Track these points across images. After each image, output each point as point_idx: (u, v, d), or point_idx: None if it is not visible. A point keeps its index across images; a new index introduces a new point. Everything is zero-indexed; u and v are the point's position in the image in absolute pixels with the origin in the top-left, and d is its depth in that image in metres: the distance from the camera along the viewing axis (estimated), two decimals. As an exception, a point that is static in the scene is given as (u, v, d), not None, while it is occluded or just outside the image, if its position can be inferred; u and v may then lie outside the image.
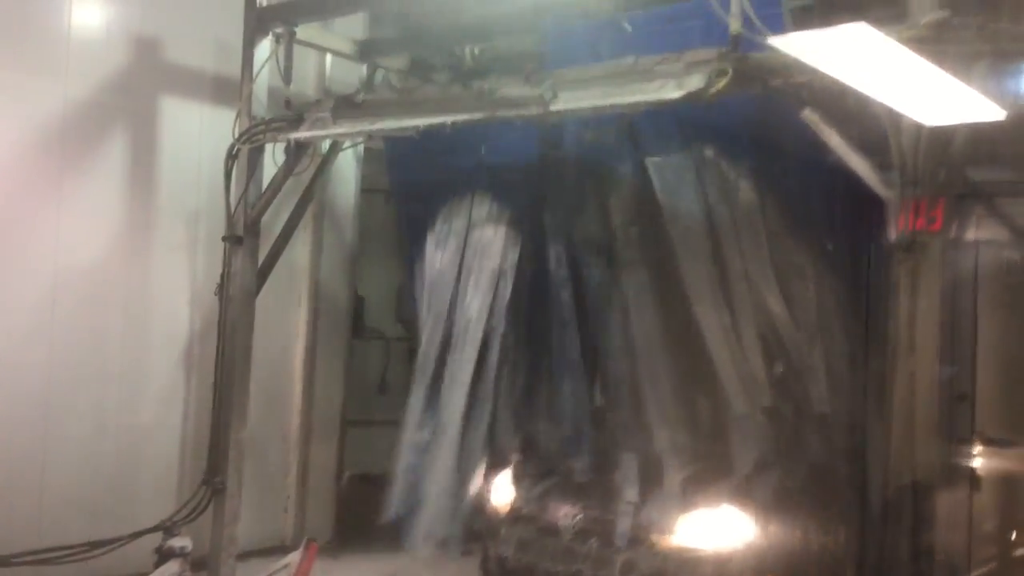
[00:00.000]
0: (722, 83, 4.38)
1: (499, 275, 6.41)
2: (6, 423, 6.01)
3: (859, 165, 4.39)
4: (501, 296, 6.39)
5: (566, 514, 5.96)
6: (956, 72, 3.83)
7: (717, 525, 5.50)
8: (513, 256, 6.42)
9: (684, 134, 5.57)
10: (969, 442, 5.19)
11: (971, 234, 5.17)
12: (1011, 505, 5.82)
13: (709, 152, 5.61)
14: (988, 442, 5.30)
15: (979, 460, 5.24)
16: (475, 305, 6.43)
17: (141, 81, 6.69)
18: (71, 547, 5.99)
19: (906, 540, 4.14)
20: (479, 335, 6.40)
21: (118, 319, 6.58)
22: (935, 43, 3.91)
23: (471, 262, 6.51)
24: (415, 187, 7.04)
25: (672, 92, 4.42)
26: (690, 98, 4.39)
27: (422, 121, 5.16)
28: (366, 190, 8.18)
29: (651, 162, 5.68)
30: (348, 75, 7.46)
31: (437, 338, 6.56)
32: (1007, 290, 5.70)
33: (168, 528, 6.33)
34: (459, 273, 6.56)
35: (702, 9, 4.48)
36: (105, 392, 6.52)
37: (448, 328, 6.55)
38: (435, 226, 6.72)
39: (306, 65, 7.48)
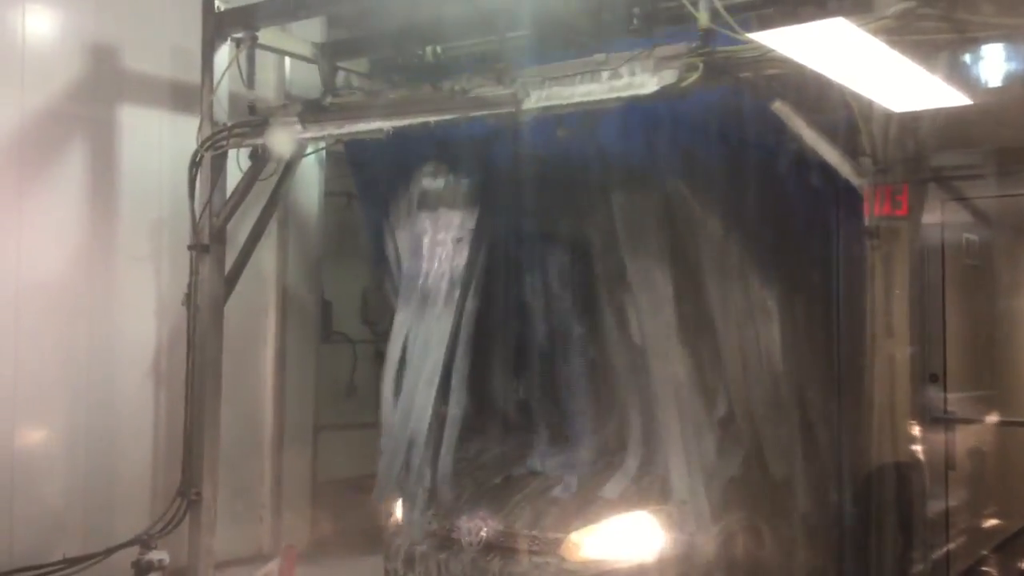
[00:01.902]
0: (694, 77, 4.43)
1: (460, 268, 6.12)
2: (-27, 442, 5.88)
3: (830, 154, 4.47)
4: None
5: (471, 528, 5.40)
6: (922, 60, 3.92)
7: (637, 536, 5.16)
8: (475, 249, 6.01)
9: (647, 134, 5.43)
10: (942, 421, 5.32)
11: (936, 218, 5.28)
12: (982, 479, 5.99)
13: (676, 186, 5.37)
14: (959, 420, 5.44)
15: (952, 438, 5.37)
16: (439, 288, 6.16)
17: (99, 89, 6.57)
18: (46, 565, 5.91)
19: (890, 516, 4.23)
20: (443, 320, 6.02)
21: (84, 332, 6.46)
22: (902, 32, 3.99)
23: (433, 250, 6.24)
24: (379, 186, 6.93)
25: (645, 88, 4.45)
26: (663, 93, 4.43)
27: (392, 123, 5.14)
28: (330, 193, 8.13)
29: (616, 201, 5.40)
30: (308, 78, 7.38)
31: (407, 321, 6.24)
32: (971, 272, 5.86)
33: (145, 541, 6.28)
34: (424, 264, 6.33)
35: None
36: (74, 407, 6.40)
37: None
38: (400, 218, 6.49)
39: (265, 69, 7.41)
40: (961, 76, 4.33)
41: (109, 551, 6.19)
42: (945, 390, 5.42)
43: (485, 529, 5.33)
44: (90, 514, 6.40)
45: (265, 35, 6.61)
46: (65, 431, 6.34)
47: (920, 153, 4.53)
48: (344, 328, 8.53)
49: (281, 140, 5.68)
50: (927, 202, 4.88)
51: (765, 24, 3.97)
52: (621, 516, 5.18)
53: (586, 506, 5.27)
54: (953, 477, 5.36)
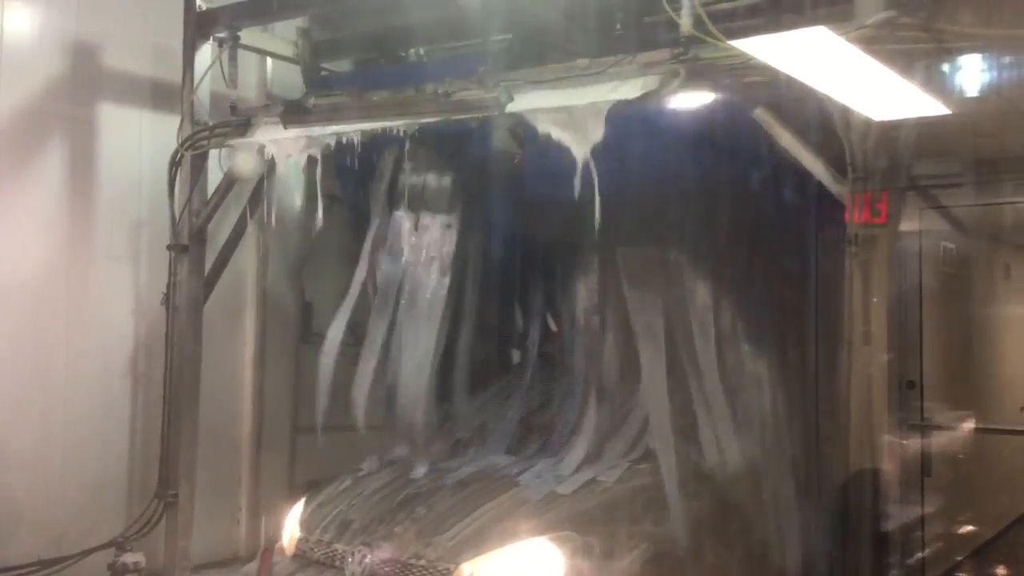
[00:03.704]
0: (675, 83, 4.46)
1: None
2: (-53, 443, 5.82)
3: (810, 162, 4.49)
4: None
5: (354, 556, 4.90)
6: (902, 69, 3.95)
7: (538, 566, 4.63)
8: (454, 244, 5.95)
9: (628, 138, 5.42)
10: (919, 427, 5.36)
11: (914, 226, 5.33)
12: (957, 486, 6.04)
13: (674, 252, 5.38)
14: (935, 427, 5.48)
15: (928, 444, 5.40)
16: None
17: (78, 88, 6.51)
18: (20, 567, 5.85)
19: (867, 523, 4.26)
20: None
21: (60, 332, 6.39)
22: (881, 41, 4.02)
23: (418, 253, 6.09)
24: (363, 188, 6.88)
25: (627, 92, 4.47)
26: (646, 99, 4.44)
27: (375, 124, 5.14)
28: (311, 195, 8.07)
29: (621, 252, 5.39)
30: (290, 79, 7.36)
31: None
32: (949, 279, 5.91)
33: (120, 544, 6.26)
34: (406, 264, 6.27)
35: None
36: (49, 408, 6.33)
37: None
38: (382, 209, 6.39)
39: (247, 69, 7.36)
40: (941, 85, 4.36)
41: (84, 553, 6.15)
42: (922, 397, 5.46)
43: (369, 557, 4.87)
44: (65, 515, 6.33)
45: (247, 35, 6.60)
46: (41, 432, 6.27)
47: (899, 161, 4.56)
48: (325, 330, 8.47)
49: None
50: (906, 210, 4.92)
51: (748, 32, 3.99)
52: (520, 543, 4.67)
53: (483, 531, 4.79)
54: (929, 483, 5.40)
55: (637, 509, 4.95)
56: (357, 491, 5.51)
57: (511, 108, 4.65)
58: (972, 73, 4.89)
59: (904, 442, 4.99)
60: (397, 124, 5.06)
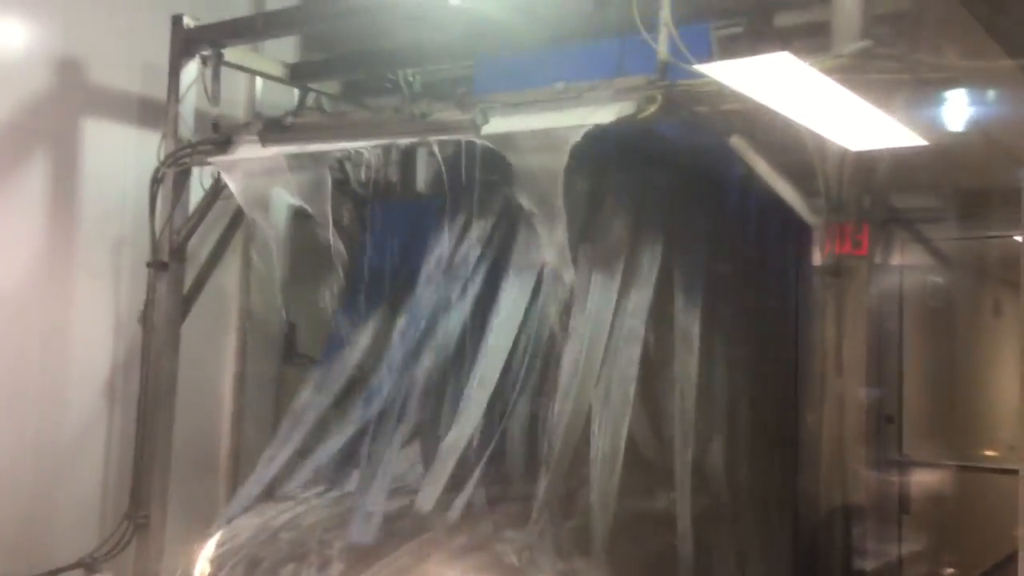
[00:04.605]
0: (652, 109, 4.42)
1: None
2: (-84, 457, 5.76)
3: (786, 191, 4.45)
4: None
5: None
6: (878, 100, 3.91)
7: None
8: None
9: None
10: (897, 464, 5.26)
11: (895, 259, 5.26)
12: (938, 524, 5.93)
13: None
14: (914, 464, 5.38)
15: (907, 481, 5.31)
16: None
17: (64, 104, 6.49)
18: (-15, 586, 5.77)
19: (838, 562, 4.17)
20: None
21: (37, 348, 6.34)
22: (858, 72, 3.99)
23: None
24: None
25: (602, 117, 4.44)
26: (621, 123, 4.41)
27: (352, 144, 5.12)
28: (296, 214, 8.04)
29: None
30: (280, 99, 7.35)
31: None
32: (930, 314, 5.83)
33: (89, 564, 6.18)
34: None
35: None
36: (23, 423, 6.25)
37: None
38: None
39: (236, 88, 7.37)
40: (920, 117, 4.32)
41: (52, 572, 6.06)
42: (900, 432, 5.37)
43: None
44: (35, 534, 6.24)
45: (236, 54, 6.60)
46: (12, 448, 6.19)
47: (877, 193, 4.51)
48: (308, 350, 8.42)
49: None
50: (886, 243, 4.87)
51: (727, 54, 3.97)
52: None
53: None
54: (907, 521, 5.30)
55: None
56: (276, 521, 5.18)
57: (487, 130, 4.62)
58: (955, 105, 4.86)
59: (882, 477, 4.90)
60: (373, 143, 5.03)
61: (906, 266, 5.45)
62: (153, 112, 6.76)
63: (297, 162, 5.42)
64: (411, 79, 6.67)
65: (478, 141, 4.60)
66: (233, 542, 5.11)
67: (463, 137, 4.68)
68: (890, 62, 4.06)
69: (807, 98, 3.78)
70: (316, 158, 5.35)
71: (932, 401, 6.00)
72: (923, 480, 5.54)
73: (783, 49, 3.59)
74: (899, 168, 4.62)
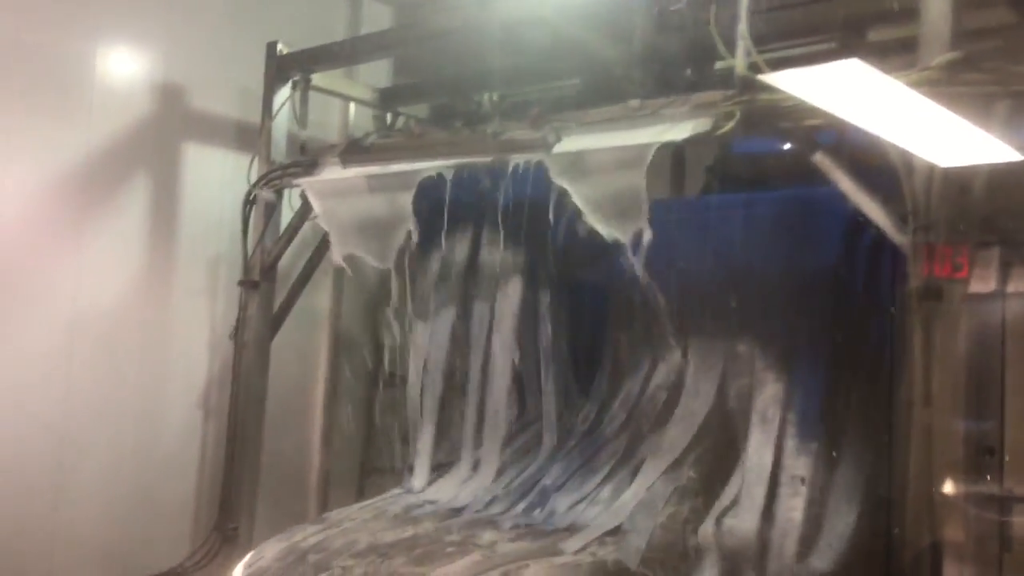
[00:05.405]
0: (729, 125, 4.30)
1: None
2: (21, 465, 6.02)
3: (872, 210, 4.24)
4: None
5: None
6: (972, 114, 3.69)
7: None
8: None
9: None
10: (998, 499, 4.92)
11: (997, 283, 4.94)
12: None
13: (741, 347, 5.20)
14: (1017, 499, 5.01)
15: (1009, 518, 4.95)
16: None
17: (165, 129, 6.77)
18: (80, 593, 5.98)
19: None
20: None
21: (136, 363, 6.59)
22: (947, 84, 3.79)
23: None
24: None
25: (678, 133, 4.34)
26: (696, 139, 4.30)
27: (430, 164, 5.15)
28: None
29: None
30: (371, 122, 7.49)
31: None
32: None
33: (180, 573, 6.33)
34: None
35: None
36: (121, 436, 6.52)
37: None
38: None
39: (331, 112, 7.56)
40: (1016, 132, 4.05)
41: (142, 581, 6.25)
42: (1002, 465, 5.02)
43: None
44: (130, 544, 6.47)
45: (329, 79, 6.78)
46: (110, 459, 6.45)
47: (973, 211, 4.25)
48: (401, 371, 8.48)
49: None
50: (987, 266, 4.57)
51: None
52: None
53: None
54: (1008, 560, 4.93)
55: None
56: (305, 543, 5.09)
57: (559, 149, 4.57)
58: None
59: (980, 514, 4.58)
60: (449, 163, 5.05)
61: (1009, 291, 5.11)
62: (250, 136, 6.98)
63: (380, 183, 5.49)
64: (494, 100, 6.71)
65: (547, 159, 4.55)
66: (260, 563, 5.06)
67: (535, 156, 4.65)
68: (982, 74, 3.84)
69: (886, 109, 3.58)
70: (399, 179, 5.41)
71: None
72: (1028, 518, 5.16)
73: (877, 65, 3.43)
74: (1000, 186, 4.35)
